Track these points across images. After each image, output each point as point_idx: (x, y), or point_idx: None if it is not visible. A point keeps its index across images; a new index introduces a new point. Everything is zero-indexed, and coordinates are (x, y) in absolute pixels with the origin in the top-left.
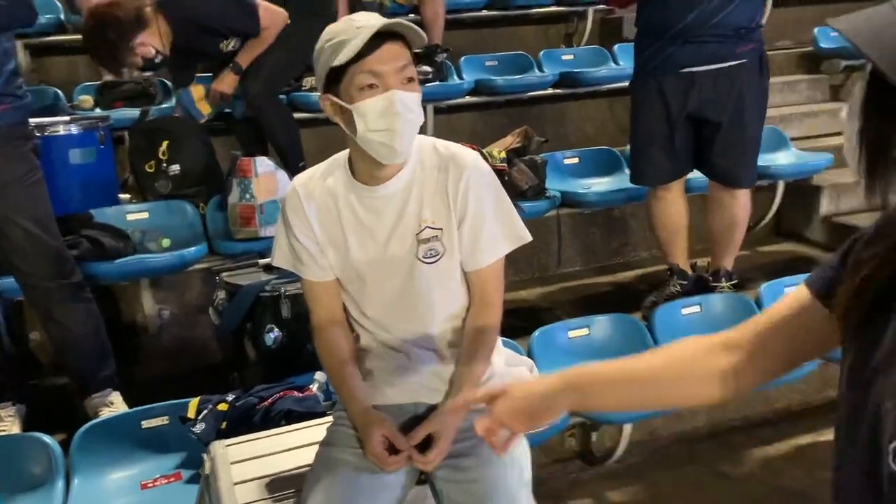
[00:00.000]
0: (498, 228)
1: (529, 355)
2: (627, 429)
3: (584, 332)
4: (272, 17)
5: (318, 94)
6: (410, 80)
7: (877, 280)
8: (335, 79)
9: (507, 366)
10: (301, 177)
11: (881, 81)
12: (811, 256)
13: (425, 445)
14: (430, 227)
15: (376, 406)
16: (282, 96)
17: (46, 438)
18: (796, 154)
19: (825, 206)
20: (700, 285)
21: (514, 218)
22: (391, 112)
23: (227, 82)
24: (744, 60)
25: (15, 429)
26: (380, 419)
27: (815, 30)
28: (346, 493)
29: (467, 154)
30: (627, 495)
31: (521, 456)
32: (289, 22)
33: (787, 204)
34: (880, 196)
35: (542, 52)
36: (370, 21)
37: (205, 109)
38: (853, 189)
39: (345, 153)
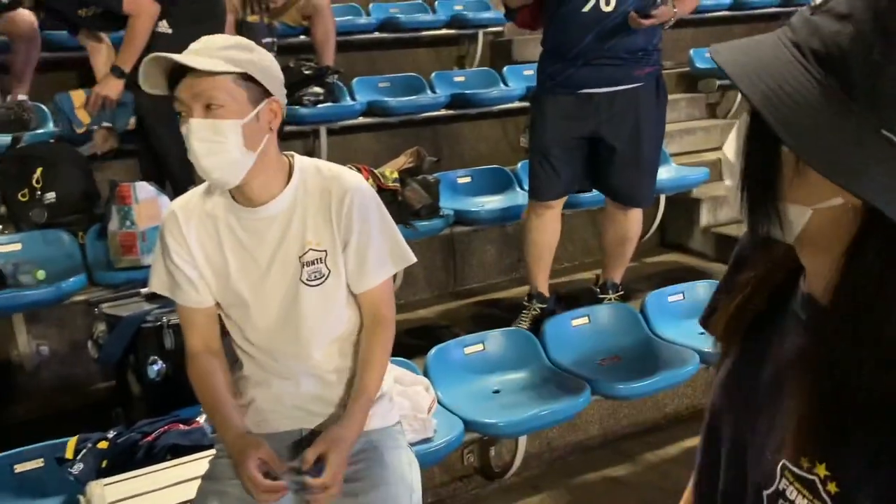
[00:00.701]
0: (384, 248)
1: (426, 374)
2: (523, 442)
3: (479, 347)
4: (137, 4)
5: None
6: (214, 106)
7: (753, 304)
8: None
9: (400, 385)
10: (179, 199)
11: (759, 117)
12: (694, 266)
13: (318, 472)
14: (313, 250)
15: (258, 434)
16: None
17: None
18: (676, 169)
19: (705, 217)
20: (560, 306)
21: (399, 238)
22: (188, 140)
23: (110, 86)
24: (640, 84)
25: None
26: (255, 443)
27: (692, 51)
28: None
29: (350, 176)
30: None
31: (411, 476)
32: (169, 31)
33: (670, 216)
34: (762, 231)
35: (433, 74)
36: (192, 47)
37: (84, 118)
38: (729, 201)
39: None
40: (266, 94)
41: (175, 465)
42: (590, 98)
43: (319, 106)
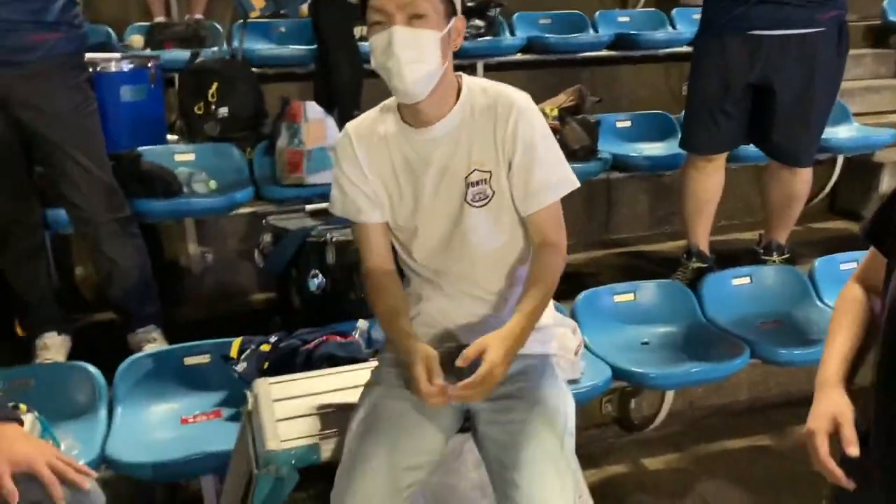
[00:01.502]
0: (549, 170)
1: (573, 318)
2: (670, 396)
3: (630, 297)
4: None
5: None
6: (417, 17)
7: None
8: (363, 16)
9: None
10: (353, 122)
11: None
12: None
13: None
14: (478, 170)
15: None
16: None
17: (91, 368)
18: (858, 129)
19: (886, 182)
20: (716, 265)
21: (565, 162)
22: (389, 49)
23: None
24: (822, 29)
25: (60, 358)
26: (423, 350)
27: (886, 2)
28: (391, 432)
29: (517, 95)
30: (664, 464)
31: (565, 404)
32: None
33: (845, 180)
34: None
35: (597, 13)
36: None
37: (258, 2)
38: None
39: (395, 98)
40: (454, 11)
41: (335, 373)
42: (760, 41)
43: (479, 39)
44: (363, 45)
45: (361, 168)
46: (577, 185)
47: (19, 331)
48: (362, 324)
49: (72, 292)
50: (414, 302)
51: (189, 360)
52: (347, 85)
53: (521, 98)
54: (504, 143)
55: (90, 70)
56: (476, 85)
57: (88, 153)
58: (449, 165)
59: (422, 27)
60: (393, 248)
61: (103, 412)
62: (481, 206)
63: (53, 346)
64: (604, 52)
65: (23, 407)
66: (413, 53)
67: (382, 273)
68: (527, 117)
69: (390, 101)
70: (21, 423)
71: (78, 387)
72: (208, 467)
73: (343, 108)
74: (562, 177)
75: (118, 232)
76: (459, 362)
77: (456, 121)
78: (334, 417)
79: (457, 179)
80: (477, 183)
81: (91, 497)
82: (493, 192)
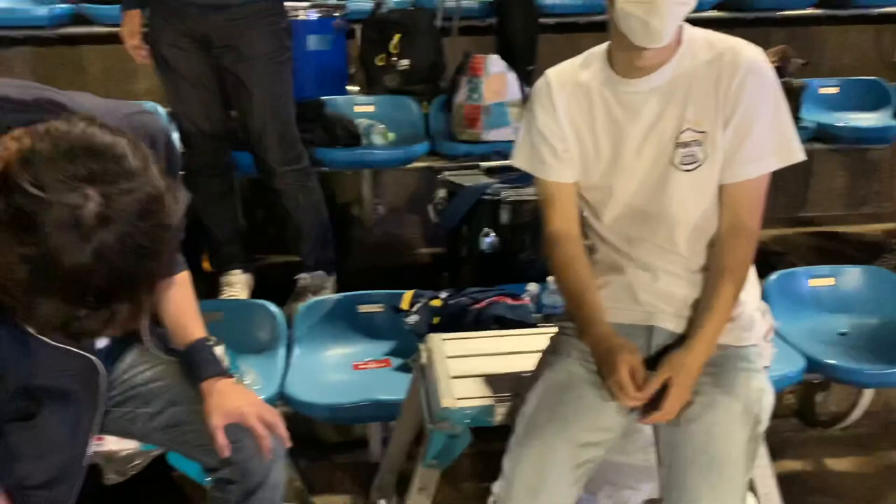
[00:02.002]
0: (768, 138)
1: (763, 299)
2: (867, 395)
3: (829, 281)
4: None
5: None
6: None
7: None
8: None
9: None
10: (554, 69)
11: None
12: None
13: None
14: (692, 130)
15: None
16: None
17: (273, 307)
18: None
19: None
20: None
21: (791, 131)
22: None
23: None
24: None
25: (243, 295)
26: (629, 347)
27: None
28: (571, 406)
29: (749, 50)
30: (851, 467)
31: (758, 406)
32: None
33: None
34: None
35: None
36: None
37: None
38: None
39: (604, 45)
40: None
41: (507, 335)
42: None
43: None
44: None
45: (557, 118)
46: (801, 157)
47: (206, 266)
48: (533, 287)
49: (256, 233)
50: (602, 271)
51: (362, 308)
52: (521, 39)
53: (754, 53)
54: (725, 103)
55: (288, 19)
56: (700, 36)
57: (276, 101)
58: (658, 122)
59: None
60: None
61: (282, 351)
62: (689, 171)
63: (238, 283)
64: (808, 11)
65: (212, 339)
66: None
67: (568, 239)
68: (757, 75)
69: (598, 48)
70: (231, 377)
71: (260, 324)
72: (378, 414)
73: (517, 63)
74: (780, 147)
75: (296, 182)
76: (644, 390)
77: (671, 73)
78: (508, 381)
79: (665, 138)
80: (688, 144)
81: (281, 445)
82: (706, 156)
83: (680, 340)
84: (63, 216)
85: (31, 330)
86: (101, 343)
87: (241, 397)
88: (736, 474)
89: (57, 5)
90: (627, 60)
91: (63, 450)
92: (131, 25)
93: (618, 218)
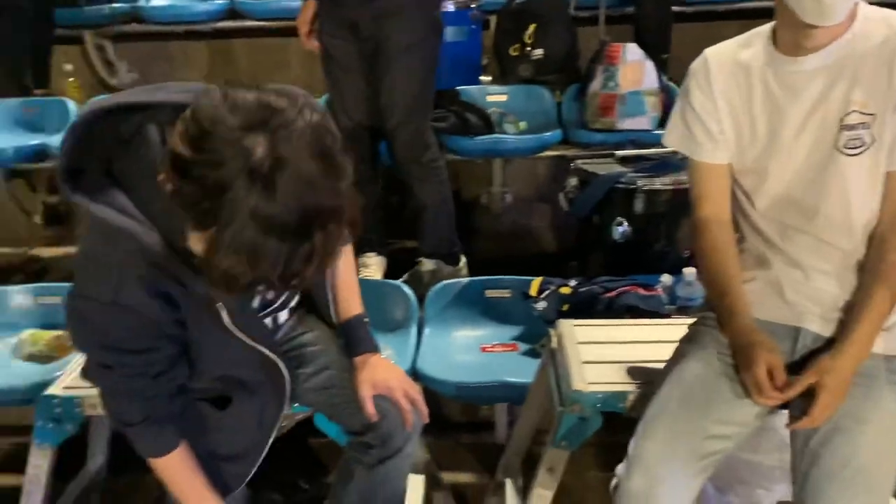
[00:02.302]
0: None
1: None
2: None
3: None
4: None
5: None
6: None
7: None
8: None
9: None
10: (713, 48)
11: None
12: None
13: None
14: (858, 112)
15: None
16: None
17: (406, 289)
18: None
19: None
20: None
21: None
22: None
23: None
24: None
25: (377, 276)
26: (769, 345)
27: None
28: (701, 394)
29: None
30: None
31: None
32: None
33: None
34: None
35: None
36: None
37: None
38: None
39: (769, 24)
40: None
41: (638, 325)
42: None
43: None
44: None
45: (713, 98)
46: None
47: None
48: (666, 278)
49: (391, 217)
50: (749, 265)
51: (490, 293)
52: (655, 27)
53: None
54: None
55: (437, 13)
56: (876, 13)
57: (419, 90)
58: (822, 103)
59: None
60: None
61: (414, 329)
62: (854, 155)
63: (373, 265)
64: None
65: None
66: None
67: (718, 224)
68: None
69: (762, 27)
70: (379, 351)
71: (395, 304)
72: (504, 396)
73: (650, 51)
74: None
75: (424, 175)
76: (788, 392)
77: (840, 52)
78: (640, 369)
79: (829, 120)
80: (854, 127)
81: (420, 420)
82: (872, 141)
83: (827, 344)
84: (239, 166)
85: (230, 325)
86: (283, 317)
87: (390, 372)
88: (882, 492)
89: (215, 0)
90: (794, 39)
91: (249, 434)
92: (304, 15)
93: (772, 205)
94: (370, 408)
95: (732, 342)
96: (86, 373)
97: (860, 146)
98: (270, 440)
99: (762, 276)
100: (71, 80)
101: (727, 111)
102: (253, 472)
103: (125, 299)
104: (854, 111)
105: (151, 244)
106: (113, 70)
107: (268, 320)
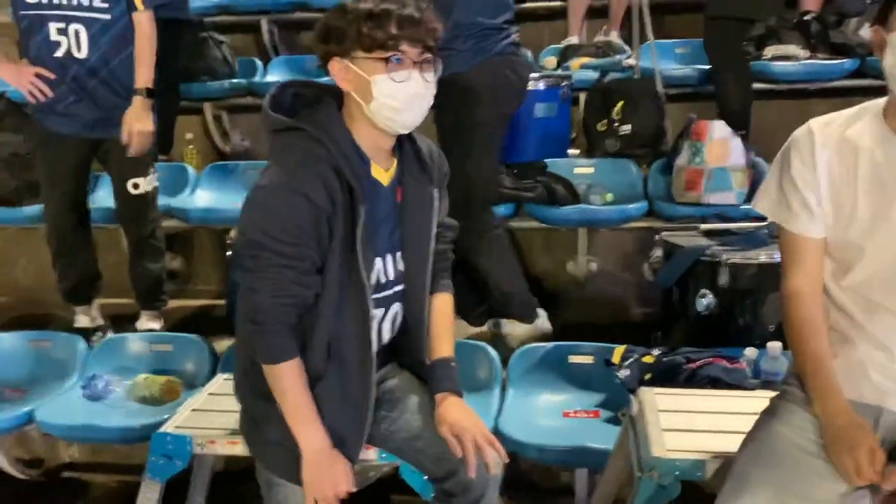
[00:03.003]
0: None
1: None
2: None
3: None
4: None
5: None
6: None
7: None
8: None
9: None
10: (820, 120)
11: None
12: None
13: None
14: None
15: None
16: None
17: (490, 350)
18: None
19: None
20: None
21: None
22: None
23: None
24: None
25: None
26: (866, 429)
27: None
28: (785, 470)
29: None
30: None
31: None
32: None
33: None
34: None
35: None
36: None
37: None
38: None
39: (880, 101)
40: None
41: (721, 396)
42: None
43: None
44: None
45: (815, 170)
46: None
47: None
48: (751, 352)
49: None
50: (834, 341)
51: (573, 359)
52: (735, 105)
53: None
54: None
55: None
56: None
57: (476, 167)
58: None
59: None
60: None
61: (497, 390)
62: None
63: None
64: None
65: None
66: None
67: (811, 297)
68: None
69: (872, 103)
70: (461, 395)
71: (480, 365)
72: (585, 461)
73: (732, 124)
74: None
75: (484, 245)
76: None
77: None
78: (720, 439)
79: None
80: None
81: (498, 464)
82: None
83: None
84: None
85: (360, 241)
86: (386, 336)
87: (466, 414)
88: None
89: None
90: None
91: (348, 409)
92: None
93: (863, 281)
94: (452, 444)
95: (827, 421)
96: (237, 265)
97: None
98: (368, 423)
99: (843, 353)
100: (190, 147)
101: (827, 186)
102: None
103: (297, 184)
104: None
105: (331, 145)
106: (227, 139)
107: (377, 312)
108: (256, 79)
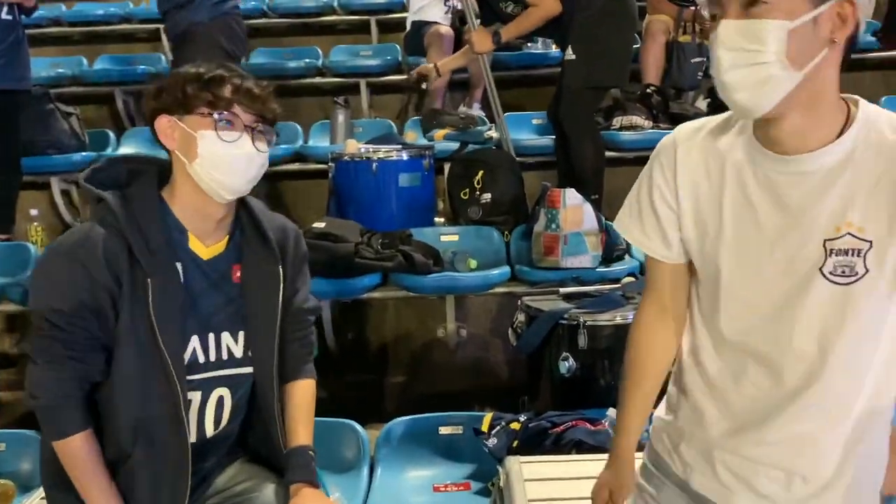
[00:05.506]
0: None
1: None
2: None
3: None
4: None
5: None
6: (752, 4)
7: None
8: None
9: None
10: (686, 127)
11: None
12: None
13: None
14: (853, 236)
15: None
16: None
17: (358, 427)
18: None
19: None
20: None
21: None
22: (714, 49)
23: (479, 40)
24: None
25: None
26: (625, 484)
27: None
28: None
29: None
30: None
31: None
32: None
33: None
34: None
35: None
36: None
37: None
38: None
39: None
40: None
41: (586, 460)
42: None
43: None
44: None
45: (675, 184)
46: None
47: None
48: (612, 412)
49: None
50: (695, 399)
51: (443, 430)
52: (588, 172)
53: None
54: None
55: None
56: (882, 116)
57: None
58: (806, 215)
59: (758, 17)
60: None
61: (365, 470)
62: (843, 284)
63: None
64: None
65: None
66: (735, 56)
67: (655, 326)
68: None
69: None
70: (317, 485)
71: (346, 443)
72: None
73: (583, 192)
74: None
75: None
76: None
77: (835, 159)
78: None
79: (813, 237)
80: (847, 252)
81: None
82: (866, 272)
83: None
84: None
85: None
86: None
87: None
88: None
89: None
90: (764, 134)
91: (163, 496)
92: None
93: (733, 326)
94: None
95: (609, 456)
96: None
97: (851, 276)
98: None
99: (693, 434)
100: (35, 224)
101: (689, 202)
102: None
103: (80, 253)
104: (847, 234)
105: (123, 218)
106: (77, 213)
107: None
108: (108, 151)
